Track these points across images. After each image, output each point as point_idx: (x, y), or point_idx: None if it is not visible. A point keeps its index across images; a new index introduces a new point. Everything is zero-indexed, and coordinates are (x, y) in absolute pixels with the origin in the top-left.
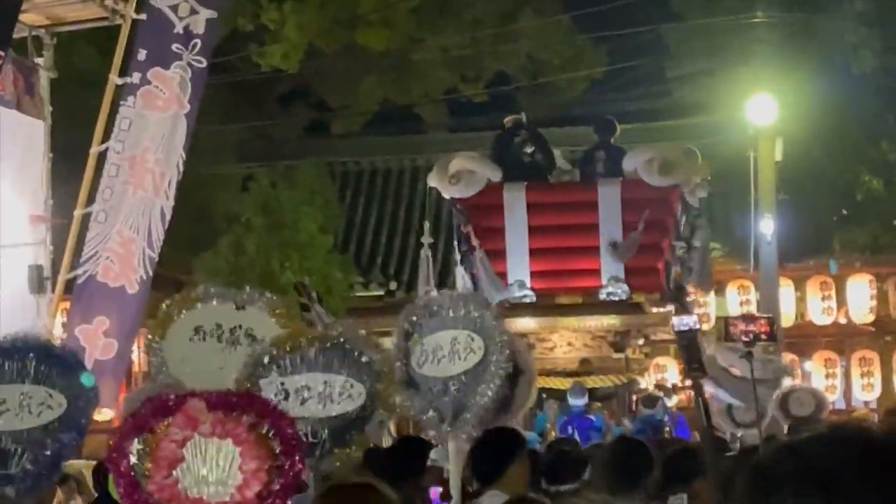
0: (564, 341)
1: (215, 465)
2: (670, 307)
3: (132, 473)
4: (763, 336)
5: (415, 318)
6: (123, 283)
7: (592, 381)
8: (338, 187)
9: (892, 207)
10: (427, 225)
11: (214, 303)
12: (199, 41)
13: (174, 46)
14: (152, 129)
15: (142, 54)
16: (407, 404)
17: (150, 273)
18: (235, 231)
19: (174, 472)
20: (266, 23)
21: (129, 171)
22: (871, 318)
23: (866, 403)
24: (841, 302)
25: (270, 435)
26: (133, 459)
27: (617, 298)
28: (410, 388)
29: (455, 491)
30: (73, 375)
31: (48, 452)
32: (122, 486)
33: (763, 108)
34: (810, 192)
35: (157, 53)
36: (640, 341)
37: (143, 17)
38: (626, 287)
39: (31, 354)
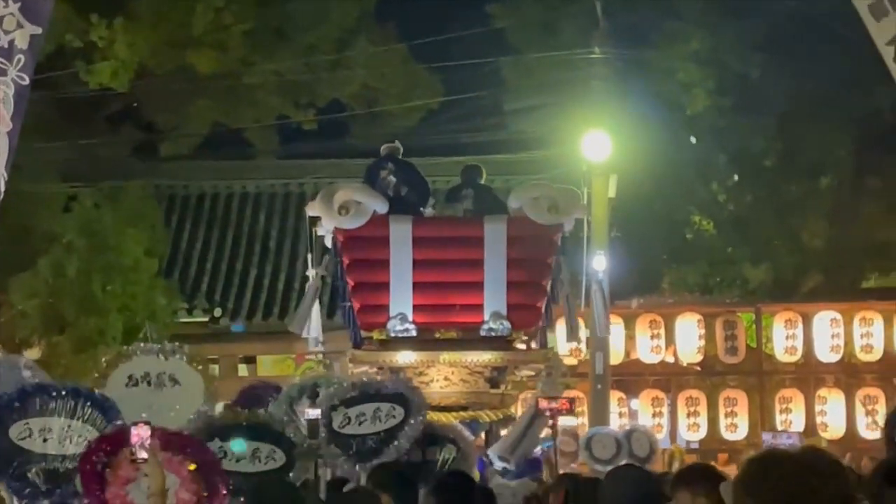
0: (441, 376)
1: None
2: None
3: (96, 478)
4: (564, 412)
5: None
6: None
7: (472, 417)
8: (164, 210)
9: (722, 248)
10: (311, 257)
11: (143, 355)
12: (22, 57)
13: None
14: None
15: None
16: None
17: None
18: (55, 252)
19: (126, 487)
20: (95, 40)
21: None
22: (698, 357)
23: (689, 443)
24: (669, 341)
25: (202, 474)
26: (98, 468)
27: (496, 335)
28: (331, 443)
29: None
30: (106, 415)
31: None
32: (86, 485)
33: (597, 145)
34: (642, 230)
35: None
36: (518, 378)
37: None
38: (507, 324)
39: (82, 398)
